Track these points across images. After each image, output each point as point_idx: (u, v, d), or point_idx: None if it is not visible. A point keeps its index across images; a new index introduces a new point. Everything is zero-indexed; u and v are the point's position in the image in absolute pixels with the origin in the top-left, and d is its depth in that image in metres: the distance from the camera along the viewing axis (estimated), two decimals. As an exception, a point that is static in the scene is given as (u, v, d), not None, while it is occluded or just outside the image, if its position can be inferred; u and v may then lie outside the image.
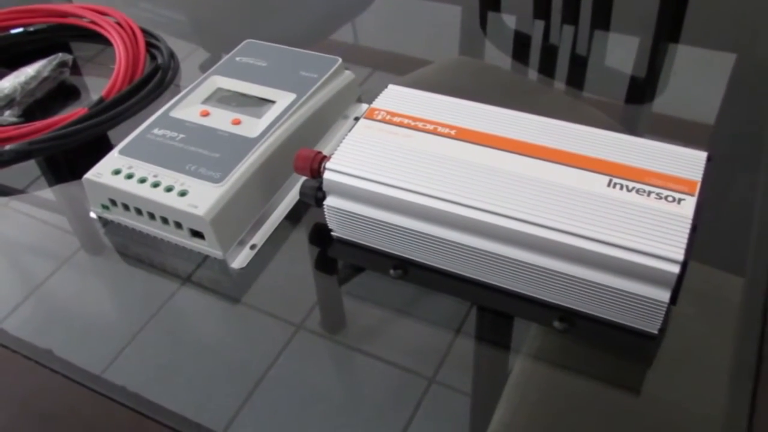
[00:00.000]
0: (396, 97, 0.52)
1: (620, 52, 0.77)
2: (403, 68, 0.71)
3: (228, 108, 0.56)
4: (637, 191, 0.44)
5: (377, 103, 0.52)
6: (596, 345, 0.45)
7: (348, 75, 0.60)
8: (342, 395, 0.44)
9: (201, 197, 0.49)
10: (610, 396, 0.43)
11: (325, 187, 0.49)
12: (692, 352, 0.45)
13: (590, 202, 0.44)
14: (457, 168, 0.47)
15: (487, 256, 0.45)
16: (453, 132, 0.49)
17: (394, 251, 0.49)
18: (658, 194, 0.43)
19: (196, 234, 0.50)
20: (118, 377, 0.45)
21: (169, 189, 0.50)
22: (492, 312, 0.48)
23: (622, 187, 0.44)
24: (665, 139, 0.48)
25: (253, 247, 0.52)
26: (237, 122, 0.55)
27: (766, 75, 0.69)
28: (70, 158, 0.61)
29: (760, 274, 0.48)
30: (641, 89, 0.72)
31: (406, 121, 0.50)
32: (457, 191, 0.45)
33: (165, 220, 0.51)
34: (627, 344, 0.45)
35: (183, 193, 0.49)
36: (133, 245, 0.54)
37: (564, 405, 0.43)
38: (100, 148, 0.58)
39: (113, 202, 0.53)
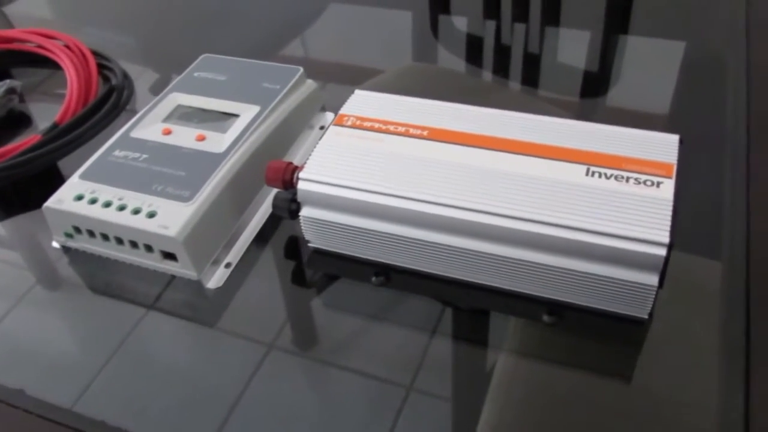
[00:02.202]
0: (363, 101, 0.52)
1: (572, 48, 0.77)
2: (356, 78, 0.70)
3: (191, 124, 0.55)
4: (616, 178, 0.44)
5: (345, 109, 0.51)
6: (586, 335, 0.45)
7: (310, 84, 0.60)
8: (319, 412, 0.43)
9: (171, 217, 0.47)
10: (600, 386, 0.43)
11: (299, 198, 0.47)
12: (678, 336, 0.45)
13: (571, 192, 0.43)
14: (433, 168, 0.46)
15: (471, 255, 0.45)
16: (425, 133, 0.48)
17: (375, 258, 0.48)
18: (636, 179, 0.43)
19: (168, 256, 0.48)
20: (93, 410, 0.43)
21: (136, 211, 0.48)
22: (476, 312, 0.47)
23: (600, 175, 0.44)
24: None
25: (228, 265, 0.50)
26: (201, 138, 0.53)
27: (716, 61, 0.71)
28: (25, 188, 0.59)
29: (737, 256, 0.49)
30: (595, 83, 0.72)
31: (376, 125, 0.49)
32: (436, 191, 0.45)
33: (134, 244, 0.49)
34: (617, 331, 0.45)
35: (152, 215, 0.48)
36: (101, 273, 0.52)
37: (552, 399, 0.42)
38: (57, 175, 0.56)
39: (77, 230, 0.51)
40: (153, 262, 0.49)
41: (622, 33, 0.79)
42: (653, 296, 0.42)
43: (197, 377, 0.45)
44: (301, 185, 0.47)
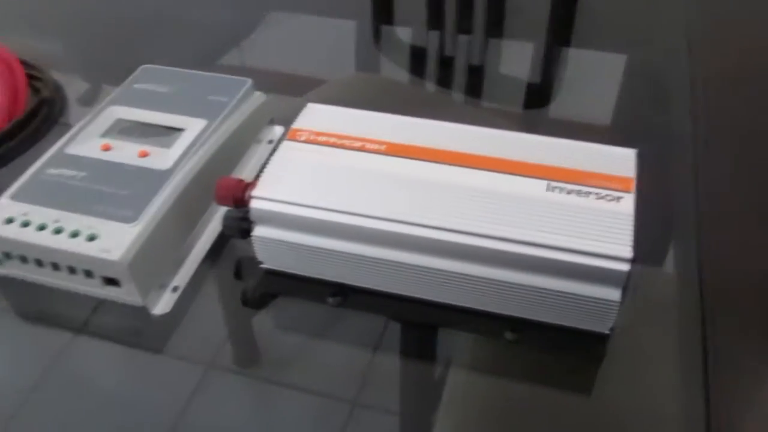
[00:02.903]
0: (317, 115, 0.50)
1: (515, 59, 0.77)
2: (298, 89, 0.68)
3: (132, 140, 0.52)
4: (577, 193, 0.43)
5: (298, 123, 0.49)
6: (548, 351, 0.44)
7: (259, 96, 0.57)
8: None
9: (114, 240, 0.44)
10: (558, 400, 0.42)
11: (252, 217, 0.45)
12: (638, 348, 0.44)
13: (532, 207, 0.43)
14: (391, 184, 0.45)
15: (432, 273, 0.44)
16: (383, 147, 0.47)
17: (331, 278, 0.47)
18: (597, 194, 0.43)
19: (110, 281, 0.45)
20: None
21: (74, 234, 0.45)
22: (431, 328, 0.46)
23: (561, 190, 0.43)
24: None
25: (175, 289, 0.48)
26: (144, 154, 0.50)
27: (656, 73, 0.72)
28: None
29: (690, 267, 0.49)
30: (537, 94, 0.73)
31: (331, 139, 0.48)
32: (395, 208, 0.43)
33: (72, 270, 0.46)
34: (579, 346, 0.44)
35: (92, 238, 0.45)
36: (36, 302, 0.48)
37: (507, 415, 0.41)
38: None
39: (7, 255, 0.47)
40: (93, 288, 0.46)
41: (565, 45, 0.79)
42: (616, 311, 0.42)
43: (134, 404, 0.42)
44: (254, 204, 0.45)
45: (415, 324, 0.46)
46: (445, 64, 0.78)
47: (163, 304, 0.47)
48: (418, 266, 0.43)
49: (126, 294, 0.45)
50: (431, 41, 0.80)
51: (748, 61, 0.70)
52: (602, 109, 0.68)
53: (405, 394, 0.43)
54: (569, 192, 0.43)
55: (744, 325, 0.45)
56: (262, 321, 0.48)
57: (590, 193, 0.43)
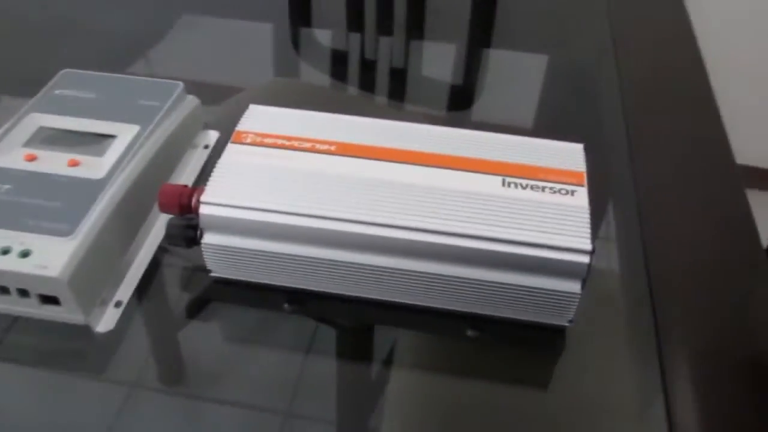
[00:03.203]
0: (261, 117, 0.48)
1: (437, 61, 0.78)
2: (216, 96, 0.66)
3: (59, 149, 0.48)
4: (532, 188, 0.44)
5: (242, 126, 0.47)
6: (508, 346, 0.45)
7: (192, 100, 0.55)
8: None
9: (50, 255, 0.41)
10: (507, 395, 0.43)
11: (202, 224, 0.43)
12: (589, 339, 0.45)
13: (489, 203, 0.43)
14: (345, 185, 0.44)
15: (390, 274, 0.43)
16: (333, 148, 0.46)
17: (286, 284, 0.45)
18: (551, 188, 0.44)
19: (48, 300, 0.42)
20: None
21: (5, 251, 0.41)
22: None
23: (516, 186, 0.44)
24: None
25: (118, 304, 0.45)
26: (75, 164, 0.47)
27: (577, 73, 0.74)
28: None
29: (635, 260, 0.50)
30: (460, 96, 0.73)
31: (279, 141, 0.46)
32: (350, 209, 0.42)
33: (4, 290, 0.42)
34: (538, 340, 0.45)
35: (25, 254, 0.41)
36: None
37: (457, 412, 0.41)
38: None
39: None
40: (28, 308, 0.43)
41: (486, 46, 0.80)
42: (576, 303, 0.42)
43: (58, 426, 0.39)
44: (204, 210, 0.43)
45: (372, 327, 0.45)
46: (367, 66, 0.77)
47: (106, 321, 0.44)
48: (376, 267, 0.43)
49: (66, 312, 0.42)
50: (352, 44, 0.80)
51: (670, 58, 0.74)
52: (526, 110, 0.70)
53: (342, 399, 0.41)
54: (524, 187, 0.44)
55: (688, 309, 0.47)
56: (215, 334, 0.45)
57: (545, 187, 0.44)
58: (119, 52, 0.72)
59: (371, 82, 0.75)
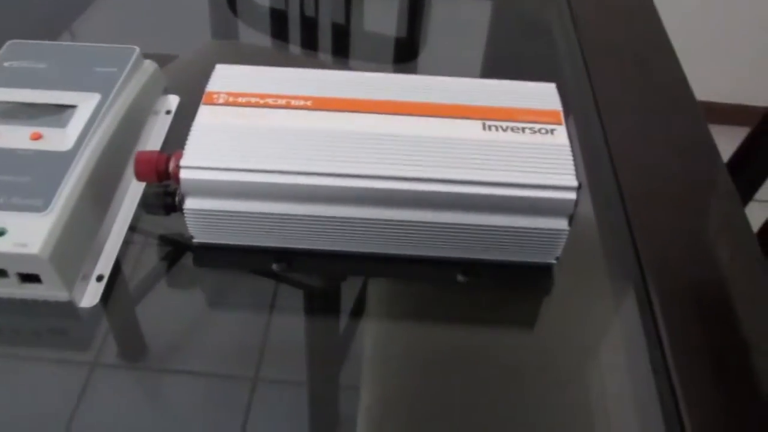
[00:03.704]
0: (230, 76, 0.47)
1: (379, 14, 0.77)
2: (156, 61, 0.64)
3: (18, 122, 0.46)
4: (512, 129, 0.44)
5: (212, 86, 0.46)
6: (498, 288, 0.45)
7: (150, 65, 0.53)
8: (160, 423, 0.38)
9: (27, 232, 0.40)
10: (488, 339, 0.43)
11: (183, 189, 0.42)
12: (576, 276, 0.46)
13: (473, 148, 0.43)
14: (325, 139, 0.43)
15: (379, 225, 0.43)
16: (309, 103, 0.45)
17: (273, 244, 0.45)
18: (531, 128, 0.44)
19: (29, 278, 0.41)
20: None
21: (-23, 231, 0.40)
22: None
23: (497, 129, 0.44)
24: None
25: (100, 278, 0.43)
26: (38, 137, 0.45)
27: (522, 19, 0.75)
28: None
29: (608, 192, 0.52)
30: (406, 48, 0.73)
31: (253, 100, 0.45)
32: (333, 163, 0.42)
33: (-20, 271, 0.40)
34: (527, 280, 0.45)
35: (0, 233, 0.39)
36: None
37: (438, 356, 0.42)
38: None
39: None
40: (8, 288, 0.41)
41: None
42: (564, 240, 0.43)
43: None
44: (184, 174, 0.41)
45: (362, 281, 0.45)
46: (308, 24, 0.75)
47: (89, 296, 0.42)
48: (363, 219, 0.43)
49: (48, 290, 0.41)
50: (291, 2, 0.78)
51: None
52: (473, 56, 0.70)
53: (312, 357, 0.41)
54: (505, 129, 0.44)
55: (664, 236, 0.48)
56: (194, 302, 0.44)
57: (525, 128, 0.44)
58: (39, 25, 0.69)
59: (313, 40, 0.73)
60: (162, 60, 0.63)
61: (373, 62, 0.70)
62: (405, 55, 0.73)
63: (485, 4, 0.78)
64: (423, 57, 0.72)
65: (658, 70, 0.64)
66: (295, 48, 0.73)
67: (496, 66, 0.68)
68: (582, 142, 0.55)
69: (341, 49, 0.73)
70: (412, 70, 0.70)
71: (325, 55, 0.72)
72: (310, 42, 0.73)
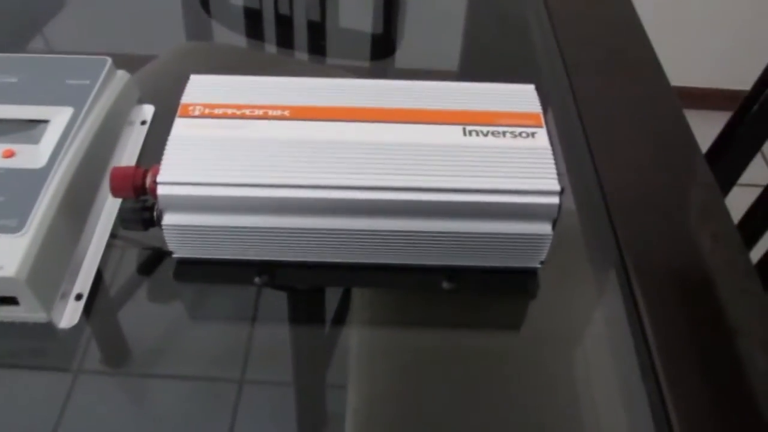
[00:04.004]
0: (205, 87, 0.46)
1: (354, 11, 0.76)
2: (127, 65, 0.63)
3: (-11, 139, 0.45)
4: (493, 134, 0.44)
5: (187, 98, 0.45)
6: (482, 293, 0.45)
7: (122, 75, 0.52)
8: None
9: (2, 254, 0.39)
10: (485, 339, 0.43)
11: (161, 205, 0.41)
12: (562, 277, 0.46)
13: (454, 154, 0.43)
14: (305, 149, 0.42)
15: (361, 235, 0.42)
16: (286, 113, 0.45)
17: (254, 257, 0.44)
18: (512, 132, 0.44)
19: (6, 300, 0.40)
20: None
21: (-50, 255, 0.39)
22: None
23: (477, 134, 0.44)
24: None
25: (78, 297, 0.43)
26: (10, 154, 0.44)
27: (497, 10, 0.74)
28: None
29: (593, 195, 0.51)
30: (382, 45, 0.72)
31: (230, 111, 0.44)
32: (314, 174, 0.41)
33: (-46, 296, 0.39)
34: (512, 284, 0.45)
35: (-26, 255, 0.39)
36: None
37: (421, 365, 0.42)
38: None
39: None
40: (-16, 312, 0.40)
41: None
42: (548, 244, 0.43)
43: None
44: (162, 190, 0.41)
45: (346, 290, 0.45)
46: (283, 23, 0.75)
47: (69, 316, 0.42)
48: (345, 230, 0.42)
49: (26, 311, 0.40)
50: (265, 0, 0.77)
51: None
52: (449, 52, 0.69)
53: (298, 362, 0.41)
54: (485, 134, 0.44)
55: (646, 232, 0.48)
56: (175, 316, 0.44)
57: (505, 132, 0.44)
58: (10, 27, 0.67)
59: (289, 39, 0.72)
60: (136, 62, 0.62)
61: (350, 59, 0.70)
62: (382, 51, 0.72)
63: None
64: (400, 52, 0.71)
65: (634, 58, 0.64)
66: (270, 47, 0.72)
67: (474, 58, 0.67)
68: (561, 136, 0.55)
69: (317, 47, 0.72)
70: (390, 66, 0.70)
71: (301, 54, 0.71)
72: (285, 40, 0.72)
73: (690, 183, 0.52)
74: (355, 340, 0.42)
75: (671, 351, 0.41)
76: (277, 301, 0.44)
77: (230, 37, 0.72)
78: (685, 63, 1.36)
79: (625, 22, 0.68)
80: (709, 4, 1.72)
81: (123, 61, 0.64)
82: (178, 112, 0.44)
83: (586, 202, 0.50)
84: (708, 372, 0.40)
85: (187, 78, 0.46)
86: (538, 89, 0.47)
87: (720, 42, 1.79)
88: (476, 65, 0.67)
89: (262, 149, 0.42)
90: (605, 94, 0.59)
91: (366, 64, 0.70)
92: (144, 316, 0.43)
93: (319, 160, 0.42)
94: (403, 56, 0.70)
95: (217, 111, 0.44)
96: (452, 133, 0.44)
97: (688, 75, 1.67)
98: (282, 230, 0.42)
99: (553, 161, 0.42)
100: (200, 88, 0.46)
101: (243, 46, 0.71)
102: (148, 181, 0.42)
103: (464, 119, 0.44)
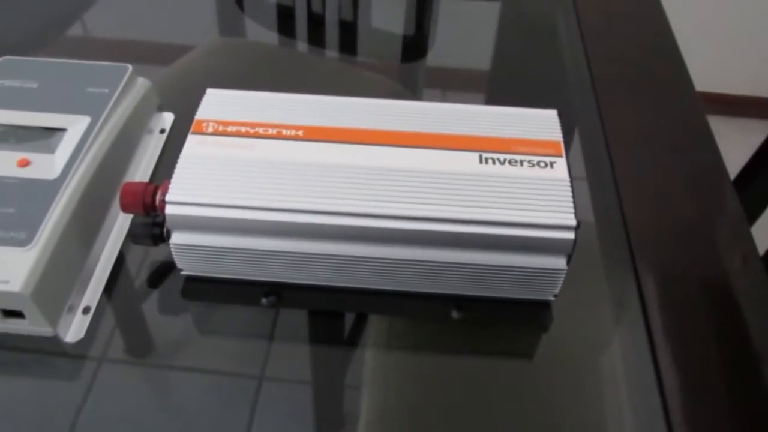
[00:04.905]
0: (221, 102, 0.46)
1: (387, 12, 0.75)
2: (161, 59, 0.63)
3: (6, 147, 0.45)
4: (510, 162, 0.42)
5: (202, 114, 0.45)
6: (495, 325, 0.44)
7: (143, 83, 0.52)
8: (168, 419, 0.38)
9: (8, 268, 0.39)
10: (497, 370, 0.42)
11: (169, 224, 0.41)
12: (577, 309, 0.45)
13: (469, 183, 0.41)
14: (316, 173, 0.42)
15: (371, 263, 0.42)
16: (300, 133, 0.44)
17: (262, 277, 0.43)
18: (530, 161, 0.42)
19: (12, 314, 0.40)
20: None
21: (-42, 267, 0.39)
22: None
23: (494, 161, 0.42)
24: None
25: (86, 311, 0.43)
26: (25, 163, 0.44)
27: (529, 20, 0.72)
28: None
29: (611, 215, 0.50)
30: (414, 47, 0.71)
31: (243, 129, 0.44)
32: (323, 199, 0.40)
33: (-38, 307, 0.40)
34: (525, 316, 0.44)
35: (-18, 268, 0.39)
36: None
37: (437, 388, 0.41)
38: None
39: None
40: (-9, 323, 0.40)
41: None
42: (562, 279, 0.42)
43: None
44: (170, 210, 0.40)
45: (357, 315, 0.44)
46: (315, 21, 0.74)
47: (75, 330, 0.42)
48: (354, 257, 0.41)
49: (32, 325, 0.40)
50: (299, -1, 0.76)
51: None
52: (480, 57, 0.68)
53: (316, 365, 0.41)
54: (502, 162, 0.42)
55: (665, 262, 0.46)
56: (184, 333, 0.44)
57: (523, 161, 0.42)
58: (48, 23, 0.68)
59: (321, 37, 0.72)
60: (166, 55, 0.62)
61: (380, 59, 0.69)
62: (413, 53, 0.71)
63: (494, 6, 0.76)
64: (432, 55, 0.70)
65: (666, 81, 0.62)
66: (302, 45, 0.72)
67: (504, 65, 0.66)
68: (587, 163, 0.54)
69: (349, 46, 0.71)
70: (421, 69, 0.69)
71: (332, 53, 0.70)
72: (317, 39, 0.72)
73: (716, 215, 0.50)
74: (367, 367, 0.42)
75: (694, 397, 0.39)
76: (287, 321, 0.44)
77: (263, 33, 0.71)
78: (726, 69, 1.31)
79: (658, 37, 0.66)
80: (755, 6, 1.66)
81: (156, 53, 0.65)
82: (192, 128, 0.44)
83: (606, 230, 0.49)
84: (735, 415, 0.39)
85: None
86: (561, 107, 0.46)
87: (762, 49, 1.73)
88: (507, 71, 0.66)
89: (273, 171, 0.42)
90: (633, 113, 0.57)
91: (396, 65, 0.69)
92: (150, 332, 0.43)
93: (329, 186, 0.41)
94: (434, 59, 0.69)
95: (230, 129, 0.44)
96: (468, 160, 0.42)
97: (729, 82, 1.61)
98: (290, 254, 0.41)
99: (570, 194, 0.41)
100: (216, 102, 0.45)
101: (275, 43, 0.70)
102: (158, 198, 0.41)
103: (481, 146, 0.43)
